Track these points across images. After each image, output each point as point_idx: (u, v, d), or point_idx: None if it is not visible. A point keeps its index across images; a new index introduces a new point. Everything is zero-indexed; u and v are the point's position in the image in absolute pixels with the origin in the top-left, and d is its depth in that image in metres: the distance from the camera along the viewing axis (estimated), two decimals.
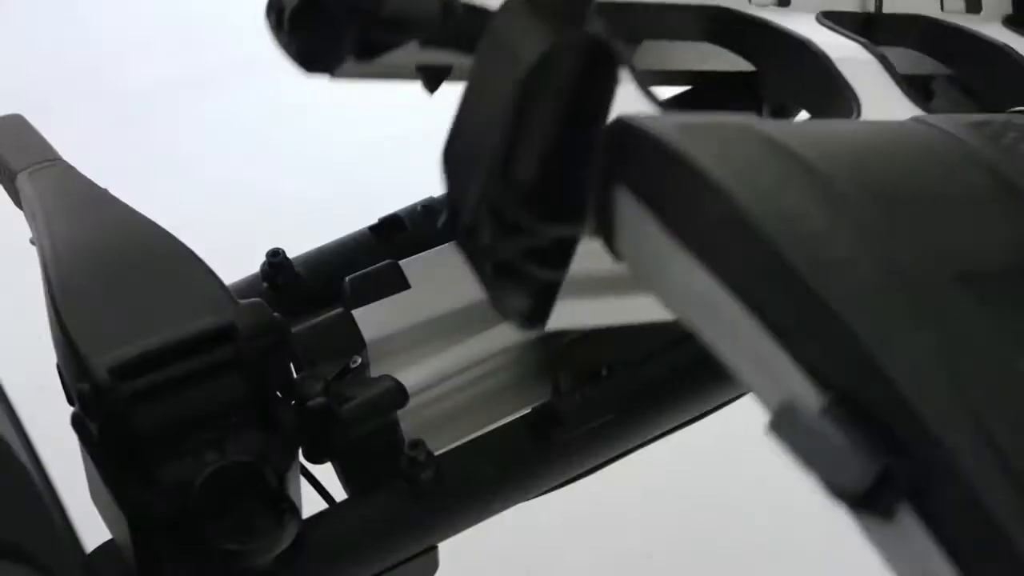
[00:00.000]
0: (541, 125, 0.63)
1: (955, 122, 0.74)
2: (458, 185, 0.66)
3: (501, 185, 0.64)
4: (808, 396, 0.57)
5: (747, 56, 0.90)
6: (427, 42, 0.76)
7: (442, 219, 0.66)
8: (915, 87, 1.03)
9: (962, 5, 0.99)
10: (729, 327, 0.63)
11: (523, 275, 0.66)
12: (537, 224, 0.64)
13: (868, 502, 0.53)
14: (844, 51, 0.85)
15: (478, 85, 0.64)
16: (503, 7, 0.61)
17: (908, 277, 0.61)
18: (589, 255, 0.68)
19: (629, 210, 0.66)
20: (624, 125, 0.65)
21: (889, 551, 0.55)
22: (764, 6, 0.91)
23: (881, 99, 0.81)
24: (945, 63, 0.99)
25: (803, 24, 0.89)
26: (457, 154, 0.66)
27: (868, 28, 0.94)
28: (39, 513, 0.66)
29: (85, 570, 0.70)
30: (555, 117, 0.63)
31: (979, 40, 0.94)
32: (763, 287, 0.61)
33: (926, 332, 0.57)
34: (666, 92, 1.03)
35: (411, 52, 0.77)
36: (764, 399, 0.60)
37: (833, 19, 0.92)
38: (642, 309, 0.70)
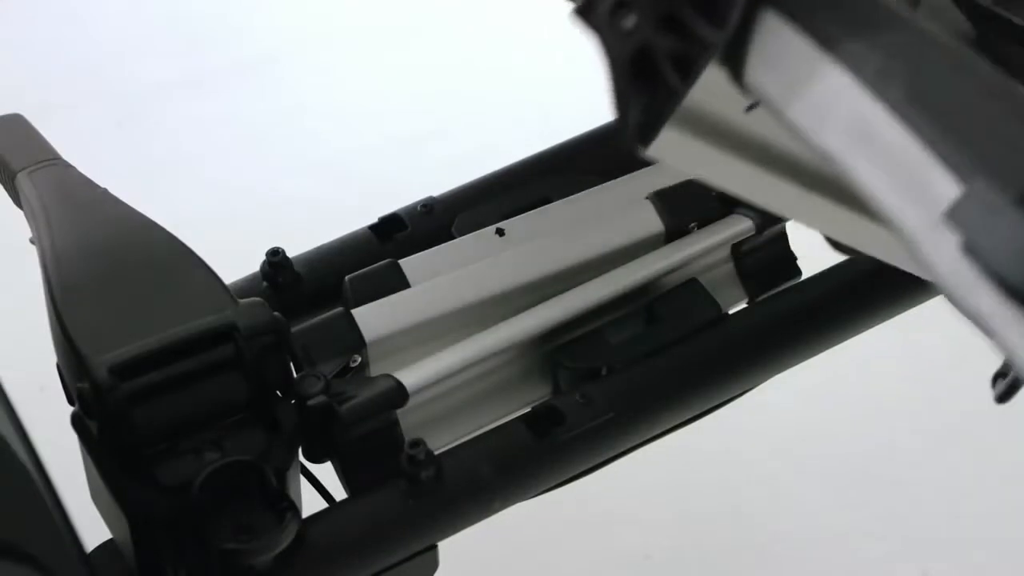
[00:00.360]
0: None
1: None
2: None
3: None
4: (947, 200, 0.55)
5: None
6: None
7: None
8: None
9: None
10: (874, 139, 0.60)
11: (654, 71, 0.64)
12: (690, 12, 0.62)
13: None
14: None
15: None
16: None
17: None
18: (710, 88, 0.66)
19: (773, 25, 0.64)
20: None
21: None
22: None
23: None
24: None
25: None
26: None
27: None
28: (39, 513, 0.66)
29: (85, 570, 0.70)
30: None
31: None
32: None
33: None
34: None
35: None
36: (903, 215, 0.58)
37: None
38: (734, 177, 0.71)
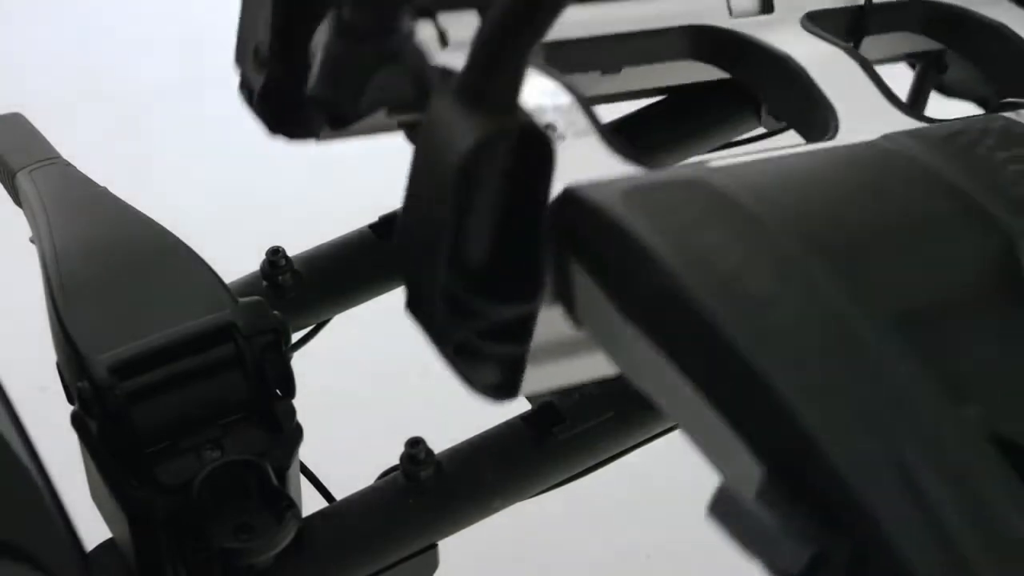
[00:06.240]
0: (482, 213, 0.64)
1: (926, 139, 0.73)
2: (412, 271, 0.66)
3: (452, 273, 0.64)
4: (750, 471, 0.57)
5: (730, 72, 0.91)
6: (397, 110, 0.77)
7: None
8: (927, 62, 1.02)
9: None
10: (679, 400, 0.62)
11: (485, 355, 0.67)
12: (492, 307, 0.65)
13: None
14: (824, 61, 0.85)
15: (420, 175, 0.64)
16: (434, 98, 0.62)
17: (844, 337, 0.60)
18: (554, 321, 0.69)
19: (582, 280, 0.66)
20: (571, 195, 0.65)
21: None
22: (747, 15, 0.92)
23: (860, 111, 0.81)
24: (946, 44, 0.99)
25: (785, 33, 0.89)
26: (408, 241, 0.66)
27: (860, 20, 0.94)
28: (39, 513, 0.66)
29: (85, 570, 0.70)
30: (495, 204, 0.64)
31: (975, 18, 0.94)
32: (700, 358, 0.60)
33: (860, 399, 0.57)
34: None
35: (385, 117, 0.78)
36: (718, 470, 0.60)
37: (820, 20, 0.92)
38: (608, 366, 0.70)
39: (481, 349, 0.66)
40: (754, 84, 0.89)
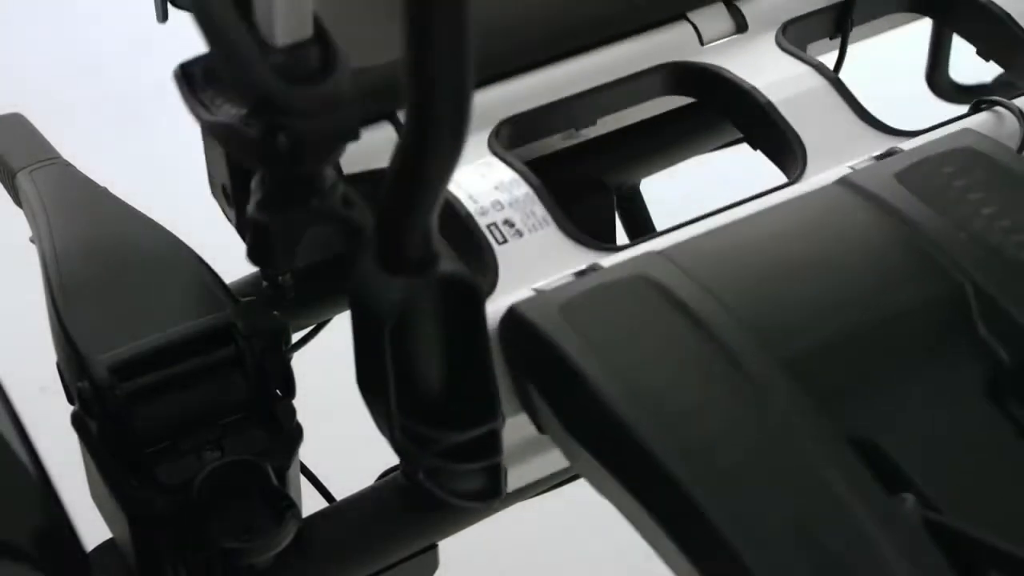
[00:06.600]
0: (422, 355, 0.67)
1: (884, 177, 0.75)
2: (375, 413, 0.70)
3: (404, 411, 0.68)
4: (691, 571, 0.61)
5: (707, 102, 0.91)
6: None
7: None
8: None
9: None
10: (625, 508, 0.67)
11: (458, 472, 0.71)
12: (448, 435, 0.69)
13: None
14: (793, 87, 0.86)
15: (357, 330, 0.68)
16: (359, 259, 0.64)
17: (767, 455, 0.63)
18: (525, 425, 0.73)
19: (535, 393, 0.70)
20: (514, 315, 0.70)
21: None
22: (721, 37, 0.92)
23: (829, 140, 0.83)
24: (933, 18, 0.99)
25: (757, 56, 0.90)
26: (361, 385, 0.70)
27: (845, 15, 0.94)
28: (39, 513, 0.66)
29: (85, 570, 0.70)
30: (433, 346, 0.67)
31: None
32: (633, 473, 0.64)
33: (783, 517, 0.60)
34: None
35: None
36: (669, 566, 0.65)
37: (798, 29, 0.92)
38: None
39: (453, 470, 0.71)
40: (728, 116, 0.90)
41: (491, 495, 0.73)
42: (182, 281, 0.81)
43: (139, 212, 0.87)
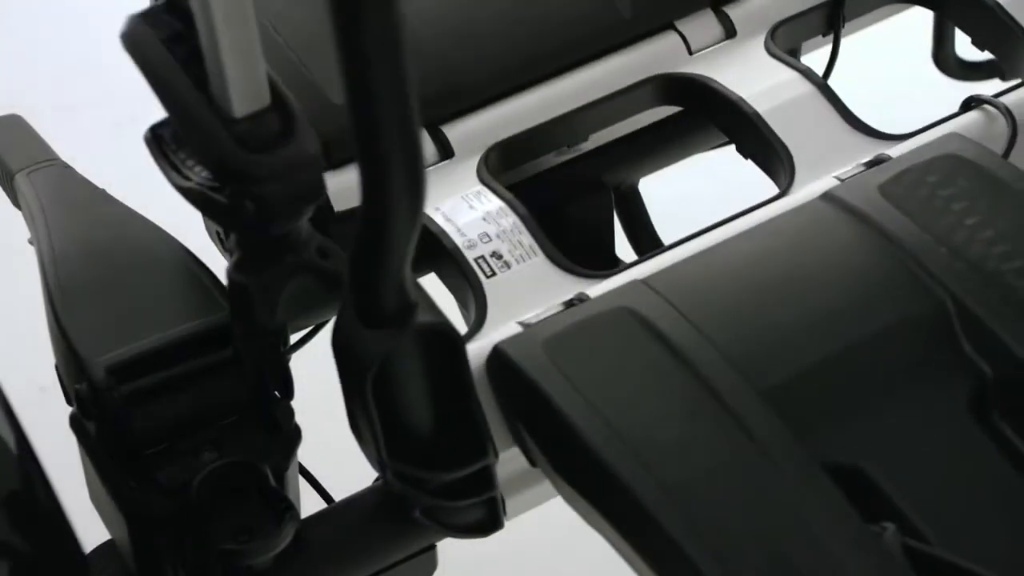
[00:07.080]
0: (407, 402, 0.69)
1: (868, 190, 0.75)
2: (368, 456, 0.72)
3: (393, 456, 0.70)
4: None
5: (698, 111, 0.92)
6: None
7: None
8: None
9: None
10: (612, 539, 0.68)
11: (455, 510, 0.73)
12: (437, 475, 0.71)
13: None
14: (780, 95, 0.86)
15: (342, 380, 0.69)
16: (340, 311, 0.67)
17: (746, 492, 0.64)
18: (519, 458, 0.74)
19: (522, 429, 0.71)
20: (499, 354, 0.71)
21: None
22: (710, 45, 0.92)
23: (815, 148, 0.83)
24: (928, 7, 0.99)
25: (744, 63, 0.90)
26: (357, 432, 0.72)
27: (837, 10, 0.94)
28: (38, 513, 0.66)
29: (84, 570, 0.70)
30: (417, 392, 0.69)
31: None
32: (618, 512, 0.66)
33: (759, 552, 0.62)
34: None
35: None
36: None
37: (788, 31, 0.92)
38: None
39: (449, 508, 0.72)
40: (717, 126, 0.91)
41: (491, 527, 0.74)
42: (180, 283, 0.81)
43: (137, 214, 0.87)
